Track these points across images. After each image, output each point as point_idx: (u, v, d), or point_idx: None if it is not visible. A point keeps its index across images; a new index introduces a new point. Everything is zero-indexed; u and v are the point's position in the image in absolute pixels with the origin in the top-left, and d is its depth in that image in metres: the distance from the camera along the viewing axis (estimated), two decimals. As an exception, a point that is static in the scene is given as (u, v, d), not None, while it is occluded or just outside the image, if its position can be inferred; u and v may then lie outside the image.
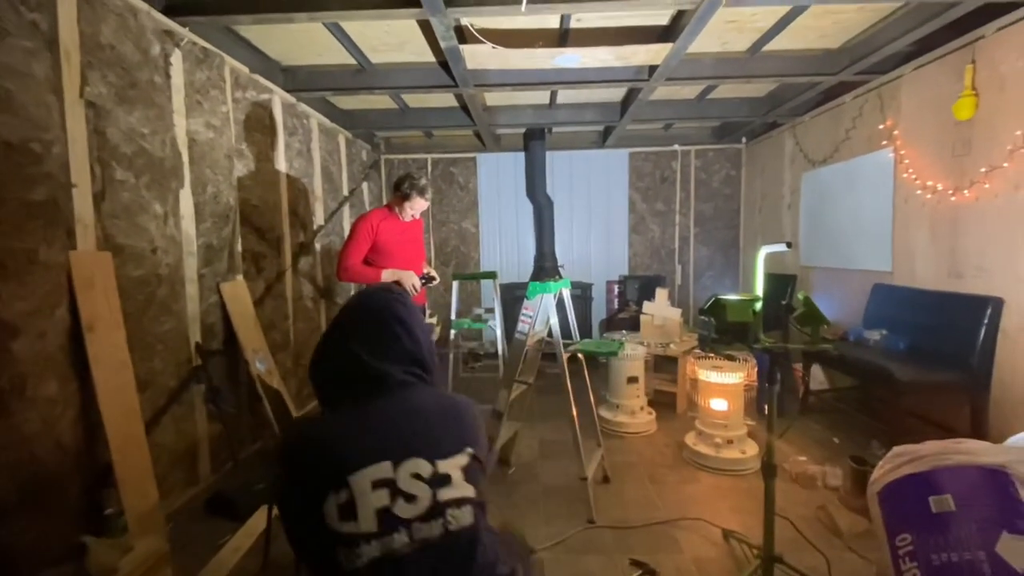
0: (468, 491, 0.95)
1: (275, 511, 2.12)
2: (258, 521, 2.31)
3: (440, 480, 0.93)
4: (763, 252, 1.98)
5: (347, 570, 0.85)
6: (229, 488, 2.55)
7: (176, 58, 2.60)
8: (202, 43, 2.77)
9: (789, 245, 2.17)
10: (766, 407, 1.83)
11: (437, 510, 0.90)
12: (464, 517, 0.93)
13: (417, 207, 2.88)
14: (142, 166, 2.36)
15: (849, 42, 3.39)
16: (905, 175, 3.40)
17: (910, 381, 2.75)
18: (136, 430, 2.12)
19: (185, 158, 2.65)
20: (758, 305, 1.70)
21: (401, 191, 2.87)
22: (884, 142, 3.60)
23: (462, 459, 0.97)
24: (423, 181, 2.86)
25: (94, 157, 2.10)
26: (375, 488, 0.88)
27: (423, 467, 0.92)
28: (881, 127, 3.62)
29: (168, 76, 2.54)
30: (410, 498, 0.90)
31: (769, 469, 1.78)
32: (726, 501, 2.54)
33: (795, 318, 1.73)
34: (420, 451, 0.94)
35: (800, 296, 1.67)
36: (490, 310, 4.28)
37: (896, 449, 1.76)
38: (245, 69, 3.20)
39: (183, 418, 2.60)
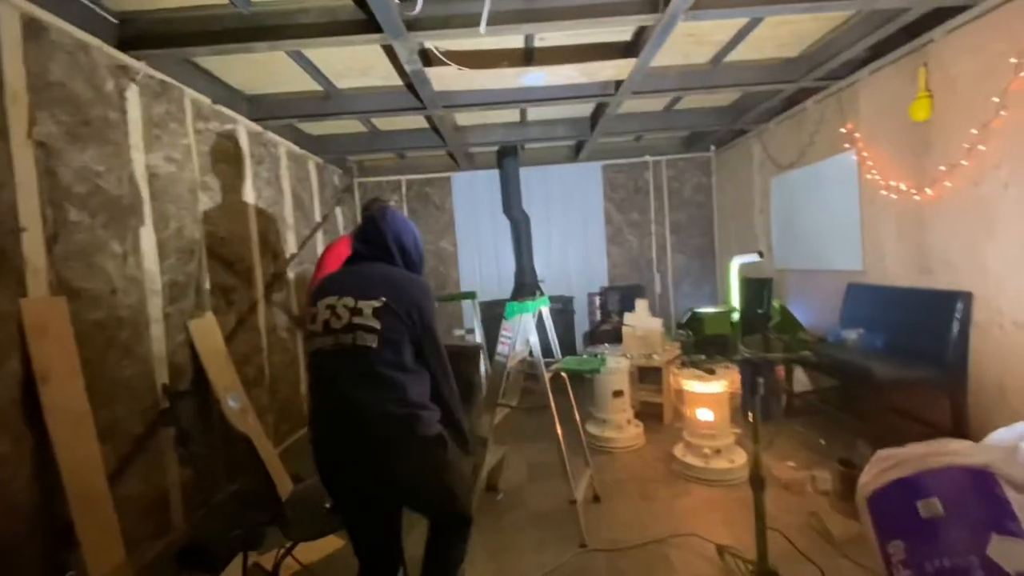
0: (375, 323, 1.50)
1: (252, 560, 2.02)
2: (235, 571, 2.19)
3: (357, 311, 1.52)
4: (736, 263, 1.99)
5: (309, 352, 1.59)
6: (203, 536, 2.43)
7: (132, 92, 2.53)
8: (159, 76, 2.71)
9: (761, 255, 2.19)
10: (750, 417, 1.81)
11: (350, 328, 1.50)
12: (368, 339, 1.49)
13: None
14: (98, 205, 2.27)
15: (807, 50, 3.48)
16: (869, 176, 3.47)
17: (889, 379, 2.78)
18: (98, 484, 2.00)
19: (145, 194, 2.56)
20: (735, 316, 1.68)
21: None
22: (847, 145, 3.69)
23: (375, 303, 1.52)
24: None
25: (45, 199, 2.01)
26: (325, 308, 1.55)
27: (349, 302, 1.53)
28: (843, 130, 3.71)
29: (124, 111, 2.47)
30: (338, 318, 1.52)
31: (757, 481, 1.76)
32: (718, 514, 2.51)
33: (772, 327, 1.72)
34: (352, 293, 1.55)
35: (775, 305, 1.66)
36: (471, 331, 4.22)
37: (880, 453, 1.76)
38: (207, 100, 3.14)
39: (151, 465, 2.48)
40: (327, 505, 1.87)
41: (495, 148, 5.42)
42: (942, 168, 2.89)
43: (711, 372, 2.14)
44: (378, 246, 1.65)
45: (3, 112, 1.87)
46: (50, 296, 1.99)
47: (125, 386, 2.34)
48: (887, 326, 3.20)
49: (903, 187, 3.20)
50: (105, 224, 2.30)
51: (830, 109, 3.89)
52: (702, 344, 1.68)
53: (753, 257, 2.27)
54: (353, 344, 1.49)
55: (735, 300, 1.91)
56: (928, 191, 3.01)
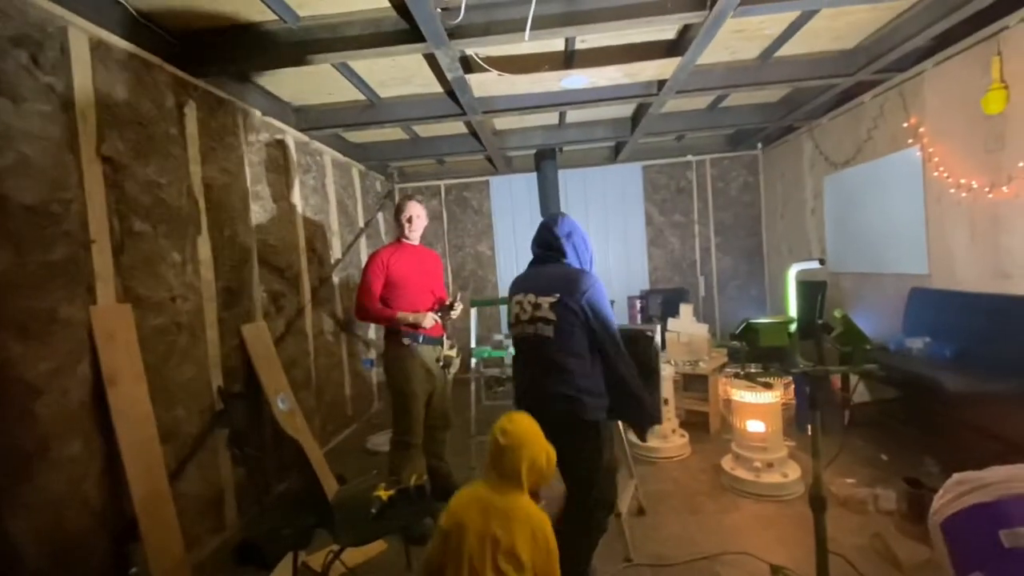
0: (551, 315, 1.79)
1: (301, 559, 2.07)
2: (284, 571, 2.25)
3: (537, 306, 1.83)
4: (794, 270, 1.88)
5: (512, 339, 1.97)
6: (256, 534, 2.51)
7: (190, 108, 2.65)
8: (215, 91, 2.83)
9: (822, 262, 2.08)
10: (809, 431, 1.71)
11: (533, 320, 1.83)
12: (546, 329, 1.80)
13: (413, 212, 2.77)
14: (160, 216, 2.39)
15: (864, 41, 3.29)
16: (935, 173, 3.25)
17: (962, 392, 2.58)
18: (160, 483, 2.10)
19: (202, 205, 2.68)
20: (792, 327, 1.60)
21: (396, 208, 2.83)
22: (910, 140, 3.47)
23: (551, 299, 1.81)
24: (407, 193, 2.91)
25: (112, 211, 2.13)
26: (515, 304, 1.91)
27: (532, 298, 1.86)
28: (905, 125, 3.49)
29: (183, 126, 2.59)
30: (524, 311, 1.86)
31: (818, 502, 1.66)
32: (771, 531, 2.40)
33: (834, 338, 1.62)
34: (534, 290, 1.87)
35: (837, 314, 1.57)
36: (508, 335, 4.21)
37: (957, 476, 1.63)
38: (258, 112, 3.26)
39: (207, 465, 2.59)
40: (373, 511, 1.90)
41: (533, 151, 5.41)
42: (1021, 164, 2.67)
43: (769, 386, 2.03)
44: (553, 248, 1.92)
45: (74, 130, 1.99)
46: (117, 304, 2.10)
47: (184, 388, 2.46)
48: (957, 334, 2.98)
49: (975, 185, 2.97)
50: (166, 234, 2.41)
51: (890, 103, 3.67)
52: (757, 356, 1.60)
53: (812, 264, 2.15)
54: (535, 334, 1.82)
55: (792, 309, 1.81)
56: (1004, 189, 2.78)
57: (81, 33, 2.04)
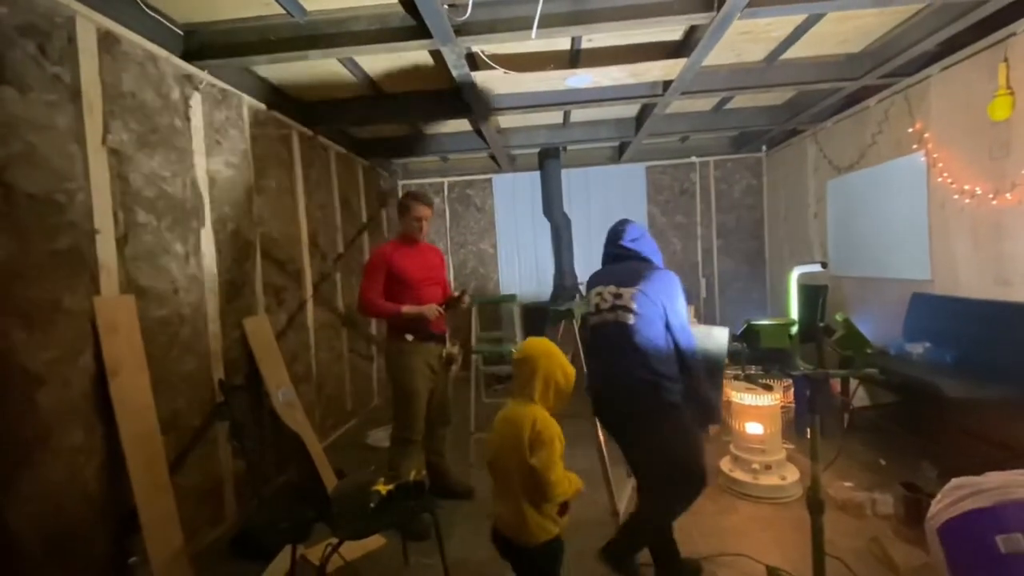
0: (632, 304, 1.93)
1: (299, 552, 2.07)
2: (283, 563, 2.26)
3: (618, 296, 1.98)
4: (795, 272, 1.88)
5: (588, 328, 2.10)
6: (254, 527, 2.52)
7: (195, 100, 2.65)
8: (220, 84, 2.83)
9: (824, 265, 2.07)
10: (808, 435, 1.72)
11: (614, 308, 1.97)
12: (627, 317, 1.93)
13: (415, 214, 2.73)
14: (164, 208, 2.39)
15: (871, 45, 3.29)
16: (940, 179, 3.25)
17: (961, 397, 2.58)
18: (160, 474, 2.11)
19: (206, 197, 2.69)
20: (794, 329, 1.60)
21: (402, 207, 2.77)
22: (914, 146, 3.46)
23: (633, 290, 1.95)
24: (413, 191, 2.97)
25: (117, 203, 2.14)
26: (595, 295, 2.07)
27: (613, 289, 2.00)
28: (910, 130, 3.48)
29: (188, 119, 2.59)
30: (605, 301, 2.01)
31: (816, 505, 1.67)
32: (768, 533, 2.40)
33: (835, 341, 1.62)
34: (615, 283, 2.02)
35: (839, 317, 1.57)
36: (503, 338, 4.26)
37: (955, 481, 1.63)
38: (263, 106, 3.26)
39: (207, 457, 2.60)
40: (372, 505, 1.91)
41: (537, 150, 5.41)
42: (1025, 171, 2.67)
43: (768, 388, 2.03)
44: (625, 249, 2.10)
45: (80, 121, 2.00)
46: (120, 294, 2.11)
47: (185, 380, 2.46)
48: (958, 340, 2.98)
49: (979, 191, 2.97)
50: (169, 226, 2.42)
51: (896, 108, 3.67)
52: (758, 357, 1.60)
53: (815, 267, 2.16)
54: (615, 321, 1.96)
55: (794, 312, 1.82)
56: (1008, 196, 2.78)
57: (89, 23, 2.04)
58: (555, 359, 1.55)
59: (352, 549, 2.22)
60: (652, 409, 1.90)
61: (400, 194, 5.95)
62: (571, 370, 1.58)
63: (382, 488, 1.95)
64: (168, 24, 2.48)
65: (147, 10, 2.31)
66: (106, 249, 2.06)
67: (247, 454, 2.83)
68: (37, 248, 1.80)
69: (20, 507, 1.69)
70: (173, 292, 2.42)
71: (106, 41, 2.13)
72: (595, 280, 2.15)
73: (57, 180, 1.88)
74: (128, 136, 2.22)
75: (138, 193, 2.25)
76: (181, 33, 2.56)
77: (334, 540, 1.82)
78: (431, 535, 2.37)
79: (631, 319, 1.91)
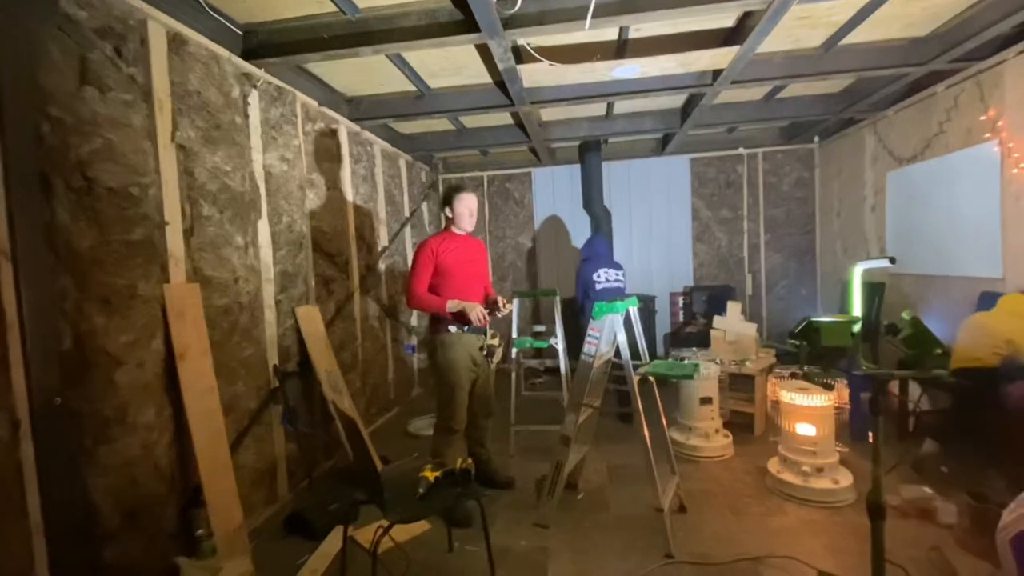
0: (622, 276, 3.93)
1: (349, 533, 2.15)
2: (333, 543, 2.36)
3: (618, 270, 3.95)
4: (860, 268, 1.79)
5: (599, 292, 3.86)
6: (305, 508, 2.62)
7: (253, 98, 2.76)
8: (276, 82, 2.94)
9: (893, 260, 1.96)
10: (871, 437, 1.65)
11: (607, 280, 3.91)
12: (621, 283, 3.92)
13: (467, 204, 2.78)
14: (225, 201, 2.51)
15: (939, 29, 3.09)
16: (1015, 170, 3.03)
17: (1035, 404, 2.41)
18: (222, 453, 2.23)
19: (262, 191, 2.80)
20: (856, 327, 1.53)
21: (446, 199, 2.81)
22: (987, 135, 3.24)
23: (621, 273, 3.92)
24: (456, 182, 2.97)
25: (184, 196, 2.26)
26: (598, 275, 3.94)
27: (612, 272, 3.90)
28: (982, 118, 3.26)
29: (247, 116, 2.71)
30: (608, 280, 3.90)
31: (877, 509, 1.60)
32: (819, 538, 2.32)
33: (900, 340, 1.55)
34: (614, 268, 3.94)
35: (906, 316, 1.49)
36: (542, 331, 4.26)
37: (1033, 491, 1.53)
38: (314, 103, 3.36)
39: (263, 438, 2.72)
40: (421, 491, 1.96)
41: (578, 143, 5.36)
42: (1117, 161, 2.46)
43: (829, 387, 1.95)
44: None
45: (151, 119, 2.11)
46: (187, 283, 2.23)
47: (244, 365, 2.59)
48: (1032, 343, 2.78)
49: (1061, 183, 2.76)
50: (231, 219, 2.54)
51: (966, 94, 3.44)
52: (818, 356, 1.54)
53: (882, 262, 2.05)
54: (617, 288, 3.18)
55: (856, 309, 1.74)
56: (1095, 188, 2.57)
57: (159, 26, 2.16)
58: None
59: (398, 533, 2.28)
60: None
61: (441, 188, 6.03)
62: None
63: (430, 474, 2.00)
64: (229, 25, 2.58)
65: (211, 12, 2.42)
66: (175, 240, 2.19)
67: (299, 437, 2.95)
68: (115, 238, 1.92)
69: (100, 478, 1.82)
70: (233, 281, 2.55)
71: (175, 42, 2.25)
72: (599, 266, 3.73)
73: (132, 175, 2.01)
74: (194, 133, 2.34)
75: (203, 187, 2.37)
76: (240, 33, 2.67)
77: (383, 522, 1.88)
78: (474, 522, 2.41)
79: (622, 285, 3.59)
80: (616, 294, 3.70)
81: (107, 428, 1.86)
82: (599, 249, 4.17)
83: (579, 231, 5.97)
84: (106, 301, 1.88)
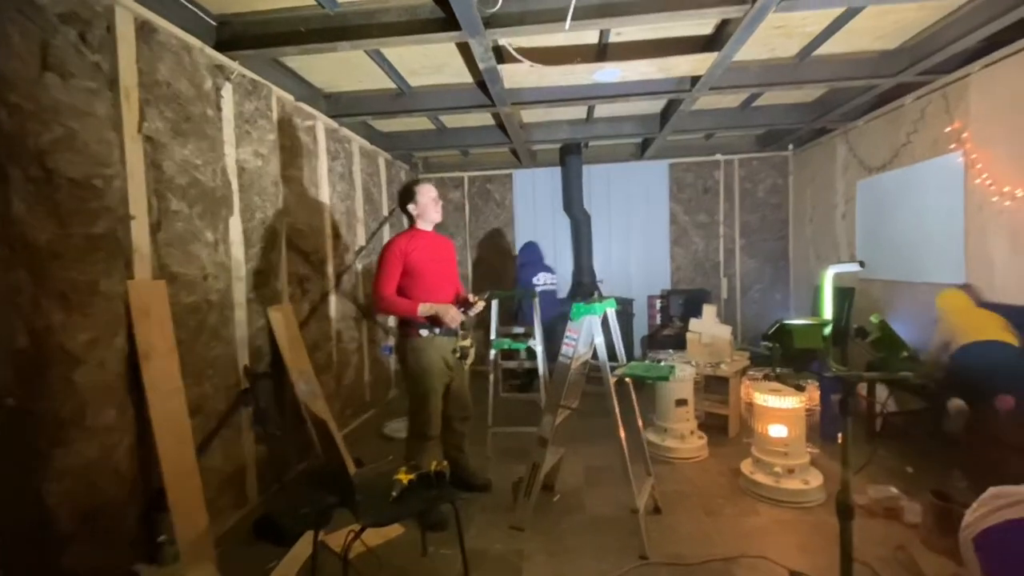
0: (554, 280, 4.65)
1: (320, 537, 2.10)
2: (303, 548, 2.30)
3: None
4: (831, 272, 1.83)
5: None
6: (275, 511, 2.55)
7: (227, 91, 2.69)
8: (251, 75, 2.87)
9: (862, 264, 2.01)
10: (839, 438, 1.68)
11: (551, 280, 4.86)
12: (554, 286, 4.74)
13: (429, 193, 2.68)
14: (195, 196, 2.43)
15: (908, 42, 3.19)
16: (978, 181, 3.14)
17: (994, 406, 2.50)
18: (188, 456, 2.15)
19: (235, 186, 2.72)
20: (827, 330, 1.56)
21: (407, 196, 2.70)
22: (952, 146, 3.36)
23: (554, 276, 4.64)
24: (409, 179, 2.94)
25: (151, 189, 2.18)
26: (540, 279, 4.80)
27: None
28: (948, 130, 3.38)
29: (219, 108, 2.63)
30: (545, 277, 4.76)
31: (845, 509, 1.62)
32: (790, 537, 2.36)
33: (870, 343, 1.58)
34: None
35: (874, 319, 1.53)
36: (523, 333, 4.24)
37: (993, 490, 1.58)
38: (290, 97, 3.29)
39: (232, 441, 2.64)
40: (394, 494, 1.92)
41: (558, 145, 5.38)
42: (1071, 173, 2.57)
43: (800, 389, 1.98)
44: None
45: (117, 108, 2.04)
46: (152, 279, 2.15)
47: (212, 365, 2.51)
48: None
49: (1019, 194, 2.87)
50: (201, 214, 2.46)
51: (932, 106, 3.56)
52: (789, 358, 1.57)
53: (853, 267, 2.10)
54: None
55: (827, 312, 1.77)
56: (1052, 198, 2.68)
57: (127, 12, 2.08)
58: None
59: (371, 537, 2.24)
60: None
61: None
62: None
63: (404, 477, 1.96)
64: (202, 15, 2.51)
65: (183, 1, 2.34)
66: (140, 235, 2.11)
67: (269, 440, 2.87)
68: (76, 231, 1.84)
69: (55, 482, 1.74)
70: (202, 279, 2.47)
71: (143, 31, 2.17)
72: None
73: (95, 166, 1.93)
74: (162, 124, 2.26)
75: (171, 181, 2.29)
76: (214, 24, 2.60)
77: (354, 527, 1.83)
78: (449, 526, 2.38)
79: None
80: (552, 295, 4.12)
81: (64, 430, 1.78)
82: (534, 255, 4.87)
83: (560, 233, 5.99)
84: (65, 297, 1.79)
